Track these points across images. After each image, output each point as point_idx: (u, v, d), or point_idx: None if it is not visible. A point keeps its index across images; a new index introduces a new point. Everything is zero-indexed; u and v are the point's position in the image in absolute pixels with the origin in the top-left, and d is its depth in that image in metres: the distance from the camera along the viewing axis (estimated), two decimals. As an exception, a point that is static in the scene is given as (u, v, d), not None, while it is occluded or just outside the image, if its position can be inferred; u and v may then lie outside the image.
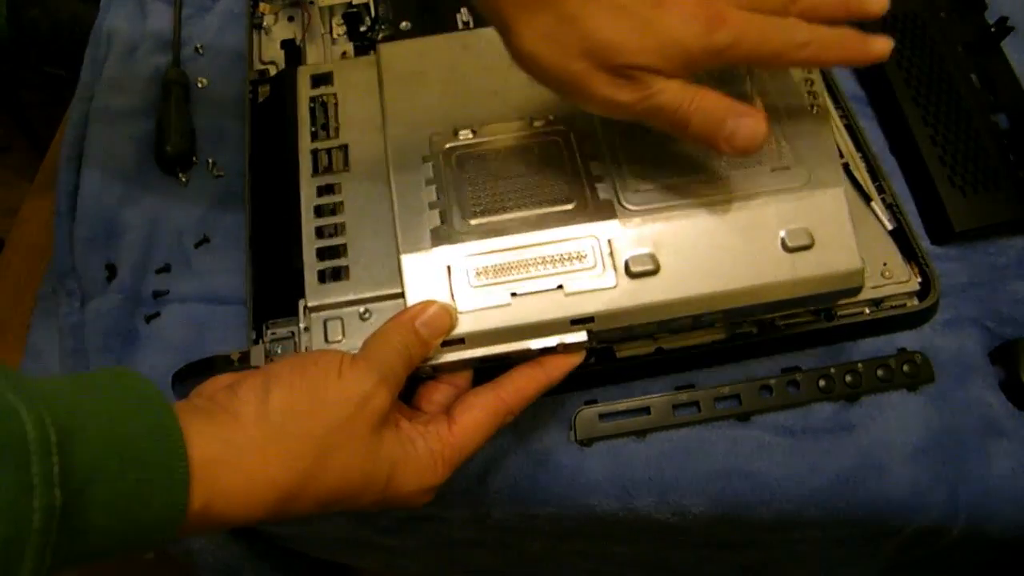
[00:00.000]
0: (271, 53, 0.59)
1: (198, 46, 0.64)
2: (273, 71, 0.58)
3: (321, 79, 0.49)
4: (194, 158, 0.59)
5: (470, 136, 0.44)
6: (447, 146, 0.44)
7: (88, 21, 0.66)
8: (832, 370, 0.48)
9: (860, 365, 0.49)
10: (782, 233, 0.40)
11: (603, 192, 0.42)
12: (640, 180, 0.42)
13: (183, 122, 0.59)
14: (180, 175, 0.58)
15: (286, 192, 0.47)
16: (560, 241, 0.40)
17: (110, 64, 0.63)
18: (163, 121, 0.59)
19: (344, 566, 0.75)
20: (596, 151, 0.43)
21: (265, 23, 0.60)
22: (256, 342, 0.47)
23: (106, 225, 0.56)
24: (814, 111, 0.43)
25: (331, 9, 0.59)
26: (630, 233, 0.40)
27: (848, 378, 0.48)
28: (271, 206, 0.51)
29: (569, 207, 0.41)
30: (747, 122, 0.35)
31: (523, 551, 0.59)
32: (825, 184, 0.41)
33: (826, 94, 0.45)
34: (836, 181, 0.41)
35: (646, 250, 0.40)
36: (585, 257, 0.40)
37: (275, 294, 0.47)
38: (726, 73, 0.44)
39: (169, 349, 0.51)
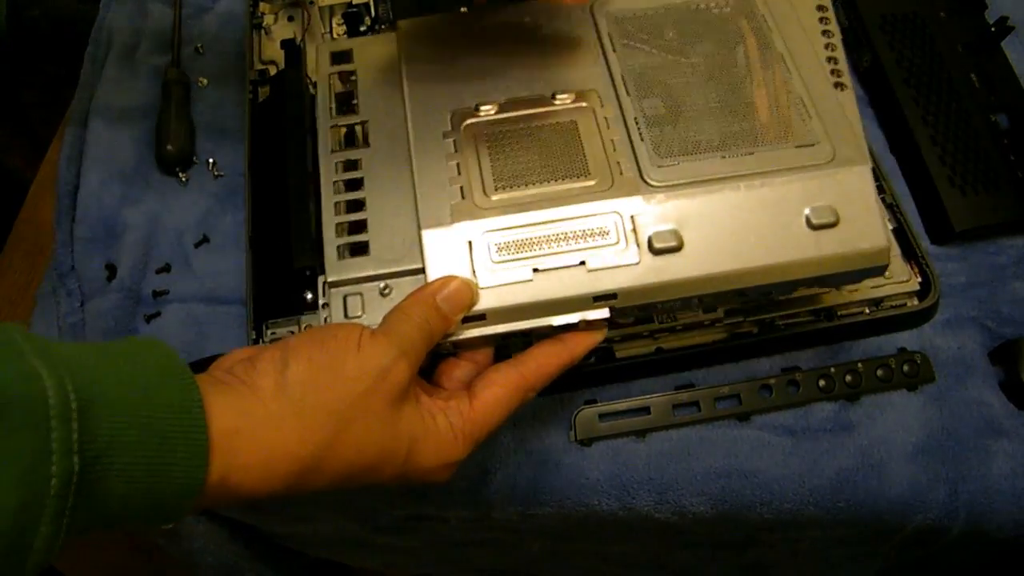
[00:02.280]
0: (271, 53, 0.59)
1: (198, 46, 0.64)
2: (273, 71, 0.58)
3: (341, 56, 0.48)
4: (194, 158, 0.59)
5: (491, 112, 0.43)
6: (468, 122, 0.43)
7: (88, 21, 0.66)
8: (832, 370, 0.48)
9: (860, 365, 0.49)
10: (807, 211, 0.40)
11: (626, 168, 0.41)
12: (663, 156, 0.41)
13: (183, 122, 0.59)
14: (180, 175, 0.58)
15: (286, 191, 0.47)
16: (582, 217, 0.40)
17: (110, 64, 0.63)
18: (163, 121, 0.59)
19: (344, 566, 0.75)
20: (619, 127, 0.42)
21: (265, 23, 0.60)
22: (256, 342, 0.47)
23: (106, 225, 0.56)
24: (840, 89, 0.43)
25: (331, 9, 0.59)
26: (653, 209, 0.40)
27: (848, 378, 0.48)
28: (271, 206, 0.51)
29: (591, 183, 0.41)
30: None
31: (523, 551, 0.59)
32: (851, 161, 0.41)
33: (848, 73, 0.44)
34: (862, 158, 0.41)
35: (669, 226, 0.39)
36: (608, 233, 0.40)
37: (275, 294, 0.48)
38: (726, 71, 0.44)
39: (169, 349, 0.51)
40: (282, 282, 0.46)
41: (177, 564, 0.59)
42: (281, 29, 0.60)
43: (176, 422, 0.29)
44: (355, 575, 0.86)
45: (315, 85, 0.48)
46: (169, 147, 0.57)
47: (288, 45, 0.58)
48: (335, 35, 0.58)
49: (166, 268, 0.55)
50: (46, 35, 0.71)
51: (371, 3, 0.58)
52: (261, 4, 0.61)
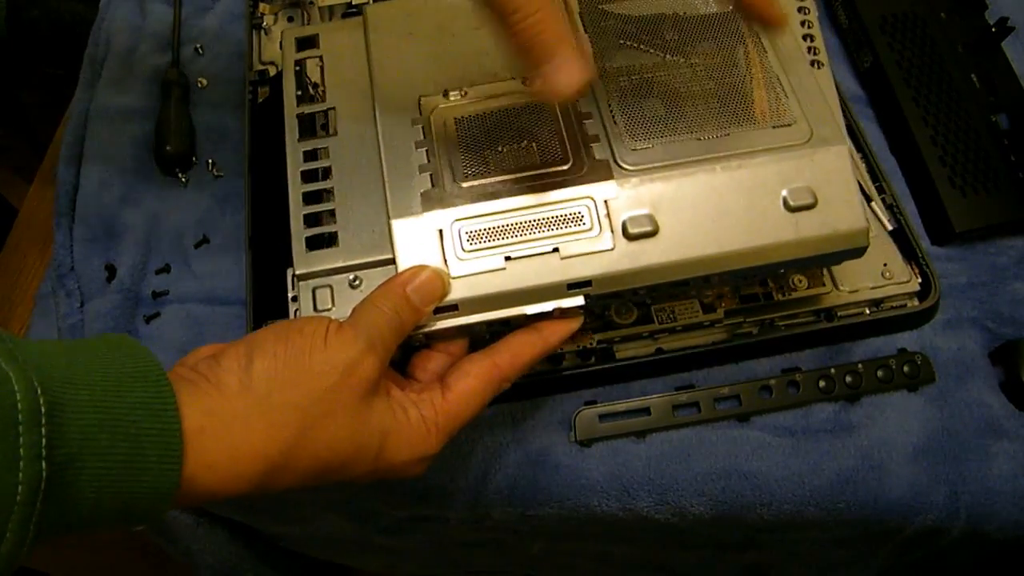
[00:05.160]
0: (271, 53, 0.59)
1: (198, 46, 0.64)
2: (273, 71, 0.58)
3: (306, 42, 0.47)
4: (194, 158, 0.59)
5: (460, 97, 0.42)
6: (437, 108, 0.42)
7: (88, 21, 0.66)
8: (832, 370, 0.48)
9: (860, 365, 0.48)
10: (784, 192, 0.39)
11: (599, 152, 0.40)
12: (637, 139, 0.40)
13: (183, 122, 0.59)
14: (180, 175, 0.58)
15: (285, 191, 0.47)
16: (555, 203, 0.39)
17: (110, 64, 0.63)
18: (163, 121, 0.59)
19: (344, 566, 0.75)
20: (591, 110, 0.42)
21: (265, 23, 0.60)
22: (256, 342, 0.46)
23: (106, 225, 0.56)
24: (816, 67, 0.42)
25: (331, 9, 0.59)
26: (627, 194, 0.39)
27: (848, 378, 0.48)
28: (271, 206, 0.51)
29: (564, 168, 0.40)
30: (571, 68, 0.32)
31: (523, 551, 0.59)
32: (828, 141, 0.40)
33: (825, 51, 0.43)
34: (839, 138, 0.40)
35: (644, 211, 0.39)
36: (581, 219, 0.39)
37: (275, 294, 0.47)
38: (700, 49, 0.43)
39: (169, 349, 0.51)
40: (282, 282, 0.46)
41: (176, 564, 0.59)
42: (281, 29, 0.60)
43: (148, 424, 0.29)
44: (355, 575, 0.86)
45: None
46: (169, 147, 0.57)
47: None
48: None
49: (166, 268, 0.55)
50: (46, 36, 0.71)
51: (371, 3, 0.58)
52: (261, 4, 0.61)
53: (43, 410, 0.26)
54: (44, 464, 0.25)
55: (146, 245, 0.55)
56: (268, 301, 0.48)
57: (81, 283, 0.54)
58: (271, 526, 0.59)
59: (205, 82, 0.62)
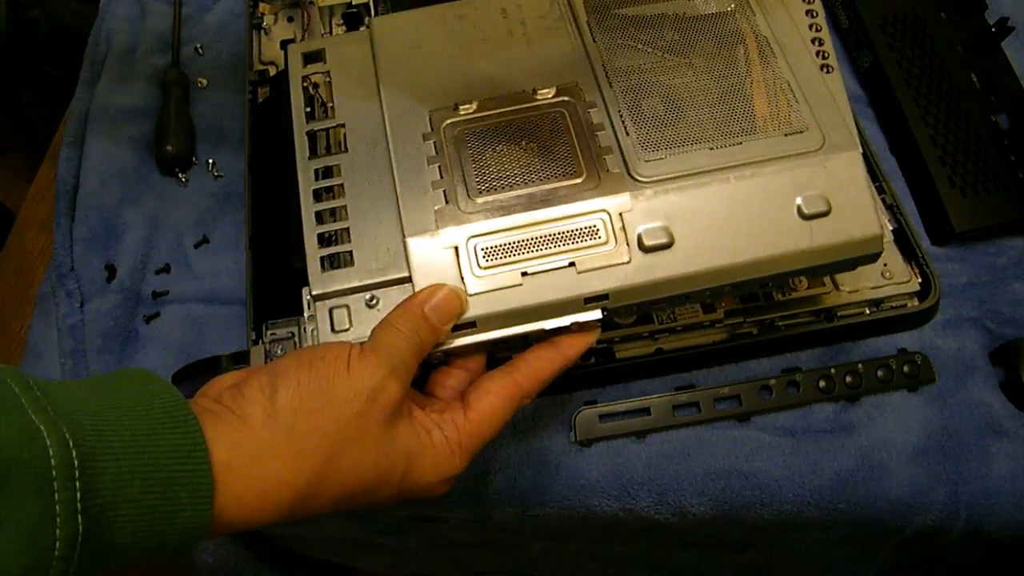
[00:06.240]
0: (271, 53, 0.59)
1: (198, 46, 0.64)
2: (273, 71, 0.58)
3: (312, 56, 0.47)
4: (194, 158, 0.59)
5: (471, 111, 0.42)
6: (448, 122, 0.42)
7: (88, 21, 0.66)
8: (832, 370, 0.48)
9: (860, 365, 0.48)
10: (798, 200, 0.39)
11: (612, 164, 0.40)
12: (649, 150, 0.40)
13: (183, 122, 0.59)
14: (180, 175, 0.58)
15: (286, 192, 0.47)
16: (570, 217, 0.39)
17: (110, 64, 0.63)
18: (163, 121, 0.59)
19: (344, 566, 0.75)
20: (603, 122, 0.41)
21: (265, 23, 0.60)
22: (256, 342, 0.46)
23: (106, 225, 0.56)
24: (826, 72, 0.42)
25: (331, 9, 0.59)
26: (642, 206, 0.39)
27: (848, 378, 0.48)
28: (271, 206, 0.51)
29: (578, 181, 0.40)
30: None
31: (523, 551, 0.59)
32: (841, 148, 0.40)
33: (835, 54, 0.43)
34: (852, 144, 0.40)
35: (659, 223, 0.38)
36: (597, 233, 0.39)
37: (275, 294, 0.47)
38: (711, 57, 0.43)
39: (169, 349, 0.51)
40: (282, 282, 0.46)
41: (176, 564, 0.59)
42: (281, 29, 0.60)
43: (180, 468, 0.29)
44: (355, 575, 0.86)
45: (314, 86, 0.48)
46: (168, 147, 0.58)
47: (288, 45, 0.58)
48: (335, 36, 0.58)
49: (166, 269, 0.55)
50: (46, 36, 0.71)
51: (371, 3, 0.58)
52: (261, 4, 0.61)
53: (76, 463, 0.26)
54: (80, 519, 0.25)
55: (146, 245, 0.55)
56: (268, 301, 0.48)
57: (81, 283, 0.54)
58: (271, 526, 0.59)
59: (205, 82, 0.62)
